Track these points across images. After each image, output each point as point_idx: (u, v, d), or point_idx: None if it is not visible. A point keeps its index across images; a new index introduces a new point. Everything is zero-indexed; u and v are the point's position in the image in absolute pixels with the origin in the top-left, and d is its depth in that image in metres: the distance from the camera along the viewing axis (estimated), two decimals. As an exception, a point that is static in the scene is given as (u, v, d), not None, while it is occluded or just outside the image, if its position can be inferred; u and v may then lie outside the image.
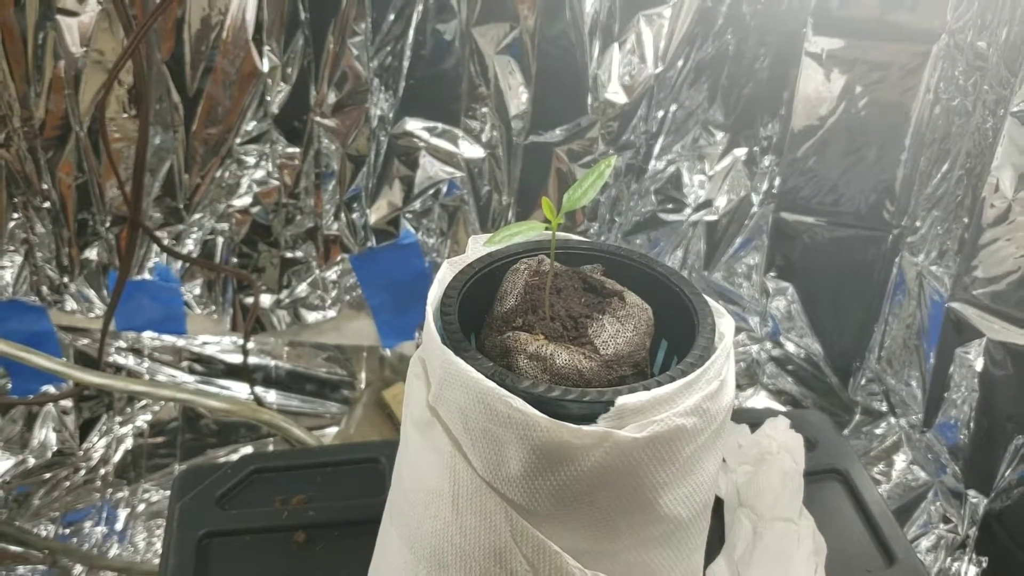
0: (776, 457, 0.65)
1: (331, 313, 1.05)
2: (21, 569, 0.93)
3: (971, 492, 0.80)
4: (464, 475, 0.43)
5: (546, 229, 0.46)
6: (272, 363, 1.09)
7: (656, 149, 0.94)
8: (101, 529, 1.00)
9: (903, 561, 0.63)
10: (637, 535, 0.44)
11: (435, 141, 0.94)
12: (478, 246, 0.51)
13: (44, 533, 0.98)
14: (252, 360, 1.07)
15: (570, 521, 0.42)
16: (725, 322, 0.47)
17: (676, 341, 0.49)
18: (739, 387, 1.04)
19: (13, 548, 0.95)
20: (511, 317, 0.47)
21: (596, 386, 0.43)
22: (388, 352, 1.09)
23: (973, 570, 0.80)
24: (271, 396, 1.09)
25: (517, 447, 0.41)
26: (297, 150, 0.94)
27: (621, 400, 0.40)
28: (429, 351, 0.44)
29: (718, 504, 0.63)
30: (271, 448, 1.07)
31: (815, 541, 0.61)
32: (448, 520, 0.44)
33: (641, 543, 0.44)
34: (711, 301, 0.49)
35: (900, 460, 0.93)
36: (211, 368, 1.07)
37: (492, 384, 0.41)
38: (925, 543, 0.85)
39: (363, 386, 1.11)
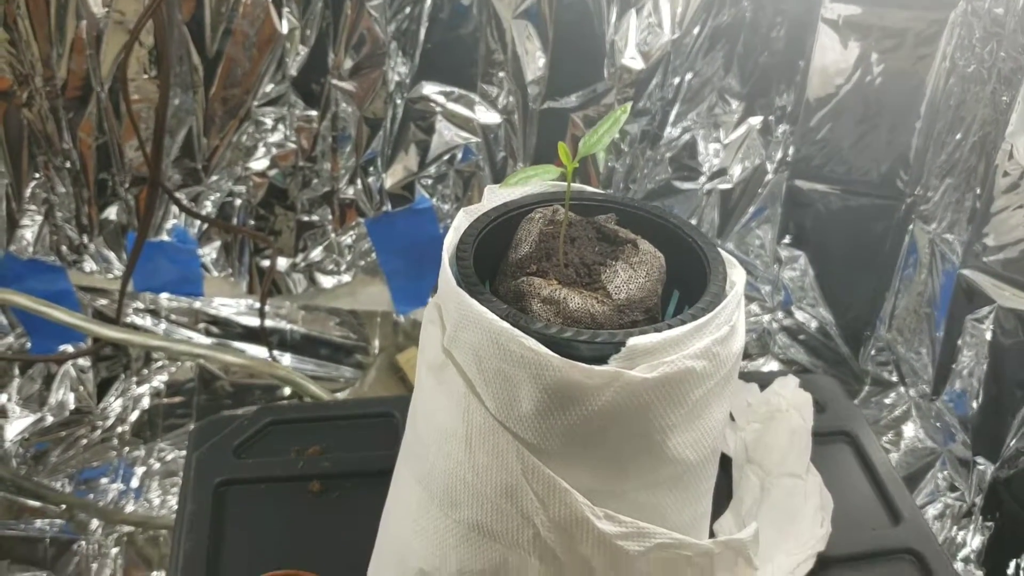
0: (785, 415, 0.66)
1: (346, 278, 1.06)
2: (39, 523, 0.95)
3: (979, 459, 0.81)
4: (477, 415, 0.44)
5: (561, 174, 0.46)
6: (287, 327, 1.10)
7: (672, 116, 0.94)
8: (117, 486, 1.01)
9: (909, 520, 0.64)
10: (646, 476, 0.45)
11: (451, 106, 0.95)
12: (494, 196, 0.52)
13: (61, 489, 1.00)
14: (267, 323, 1.08)
15: (580, 460, 0.43)
16: (737, 272, 0.48)
17: (688, 291, 0.50)
18: (750, 356, 1.04)
19: (31, 503, 0.96)
20: (525, 263, 0.47)
21: (608, 329, 0.43)
22: (402, 318, 1.10)
23: (979, 538, 0.81)
24: (286, 359, 1.10)
25: (529, 387, 0.41)
26: (314, 113, 0.94)
27: (632, 341, 0.41)
28: (445, 295, 0.45)
29: (726, 461, 0.64)
30: (287, 406, 1.08)
31: (822, 496, 0.61)
32: (461, 459, 0.45)
33: (650, 484, 0.45)
34: (723, 252, 0.49)
35: (909, 430, 0.93)
36: (227, 331, 1.08)
37: (506, 324, 0.41)
38: (932, 511, 0.85)
39: (376, 351, 1.12)
